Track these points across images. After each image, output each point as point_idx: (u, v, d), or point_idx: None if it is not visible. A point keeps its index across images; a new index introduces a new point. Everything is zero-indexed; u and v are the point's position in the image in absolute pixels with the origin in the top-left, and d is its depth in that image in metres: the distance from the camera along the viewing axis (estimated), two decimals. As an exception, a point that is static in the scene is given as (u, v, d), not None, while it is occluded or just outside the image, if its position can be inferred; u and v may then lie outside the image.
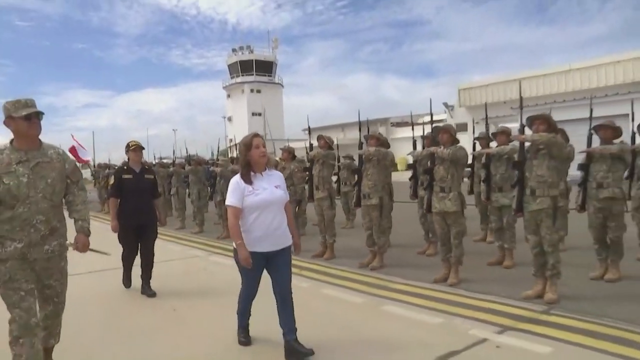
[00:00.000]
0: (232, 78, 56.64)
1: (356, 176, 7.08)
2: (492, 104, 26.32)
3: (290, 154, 9.23)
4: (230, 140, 52.61)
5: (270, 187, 3.69)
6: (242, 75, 55.06)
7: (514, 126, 21.13)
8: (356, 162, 7.74)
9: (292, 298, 3.74)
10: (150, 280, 5.68)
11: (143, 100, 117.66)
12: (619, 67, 25.12)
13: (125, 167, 5.76)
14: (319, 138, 7.56)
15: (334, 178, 8.32)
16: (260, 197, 3.61)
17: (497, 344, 3.70)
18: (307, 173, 7.76)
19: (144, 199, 5.65)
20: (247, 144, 3.68)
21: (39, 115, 3.13)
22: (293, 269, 3.92)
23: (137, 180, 5.64)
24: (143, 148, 5.92)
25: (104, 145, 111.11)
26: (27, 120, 3.06)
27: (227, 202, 3.67)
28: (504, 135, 6.57)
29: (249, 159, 3.68)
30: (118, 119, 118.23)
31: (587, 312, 4.29)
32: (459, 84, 31.90)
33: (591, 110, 5.58)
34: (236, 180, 3.71)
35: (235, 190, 3.65)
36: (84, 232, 3.37)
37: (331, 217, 7.49)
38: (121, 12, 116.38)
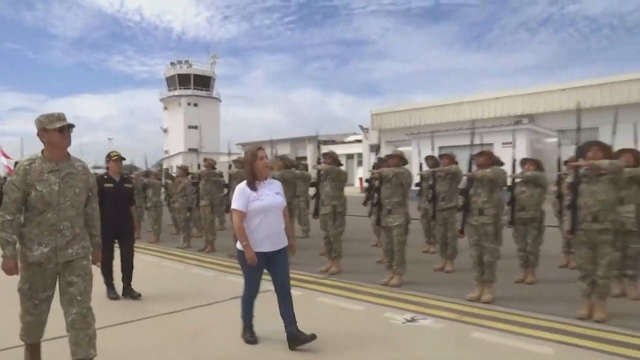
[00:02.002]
0: (169, 91, 55.08)
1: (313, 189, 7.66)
2: (398, 129, 30.06)
3: (211, 165, 9.80)
4: (166, 152, 51.47)
5: (272, 194, 4.00)
6: (180, 89, 53.71)
7: (408, 149, 21.81)
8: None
9: (290, 293, 4.04)
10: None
11: (80, 106, 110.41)
12: (498, 102, 27.80)
13: (105, 177, 5.85)
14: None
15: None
16: (265, 202, 3.92)
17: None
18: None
19: (123, 207, 5.83)
20: (253, 155, 3.98)
21: (70, 127, 3.29)
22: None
23: (117, 189, 5.81)
24: (124, 159, 6.12)
25: (34, 151, 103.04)
26: (60, 132, 3.25)
27: (233, 207, 3.96)
28: (448, 158, 7.43)
29: (254, 168, 3.97)
30: None
31: (514, 307, 5.10)
32: (372, 109, 33.75)
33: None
34: (242, 187, 4.00)
35: (241, 195, 3.95)
36: (99, 247, 3.59)
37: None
38: (58, 14, 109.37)
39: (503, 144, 18.13)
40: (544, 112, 25.75)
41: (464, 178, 5.82)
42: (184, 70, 53.97)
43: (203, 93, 54.42)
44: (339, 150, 33.35)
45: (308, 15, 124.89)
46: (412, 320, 4.65)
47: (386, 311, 4.96)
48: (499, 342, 4.03)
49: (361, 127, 34.25)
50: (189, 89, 53.43)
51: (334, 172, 7.06)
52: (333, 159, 7.25)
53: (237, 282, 5.80)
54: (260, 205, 3.89)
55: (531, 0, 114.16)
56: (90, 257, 3.45)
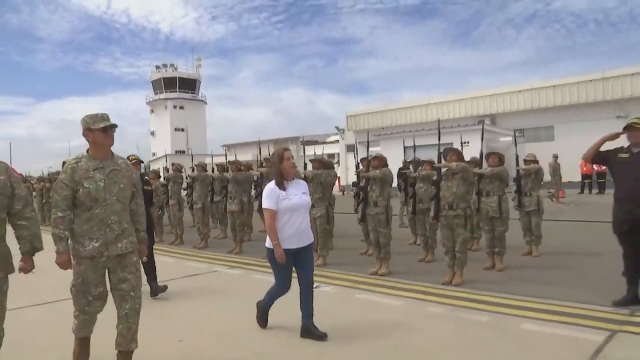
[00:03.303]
0: (155, 94, 55.26)
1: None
2: (372, 129, 30.10)
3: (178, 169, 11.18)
4: (154, 154, 52.23)
5: (299, 194, 4.09)
6: (166, 92, 54.02)
7: (377, 149, 23.42)
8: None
9: (313, 288, 4.15)
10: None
11: (67, 108, 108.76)
12: (462, 103, 29.64)
13: None
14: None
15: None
16: (293, 202, 4.00)
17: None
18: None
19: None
20: (280, 157, 4.08)
21: (113, 127, 3.34)
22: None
23: None
24: (142, 162, 6.35)
25: (22, 156, 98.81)
26: (104, 132, 3.29)
27: (264, 206, 4.01)
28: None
29: (281, 169, 4.07)
30: (39, 129, 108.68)
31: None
32: (347, 111, 35.00)
33: (439, 135, 6.76)
34: (271, 187, 4.05)
35: (271, 195, 4.00)
36: (145, 242, 3.64)
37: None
38: (44, 17, 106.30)
39: (462, 143, 20.20)
40: (503, 112, 27.92)
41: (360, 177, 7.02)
42: (169, 73, 54.24)
43: (189, 96, 54.90)
44: (321, 150, 33.95)
45: (296, 15, 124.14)
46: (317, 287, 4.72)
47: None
48: (376, 300, 5.20)
49: (337, 128, 35.23)
50: (175, 92, 53.80)
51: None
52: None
53: (194, 266, 7.53)
54: (289, 204, 3.98)
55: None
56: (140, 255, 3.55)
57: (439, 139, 6.65)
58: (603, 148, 4.95)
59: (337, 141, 35.56)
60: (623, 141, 4.83)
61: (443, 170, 6.07)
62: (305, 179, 7.29)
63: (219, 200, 10.38)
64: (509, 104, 27.78)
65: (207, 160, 13.02)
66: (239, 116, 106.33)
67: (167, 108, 53.89)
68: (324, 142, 42.14)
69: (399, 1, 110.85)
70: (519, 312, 4.62)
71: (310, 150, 35.46)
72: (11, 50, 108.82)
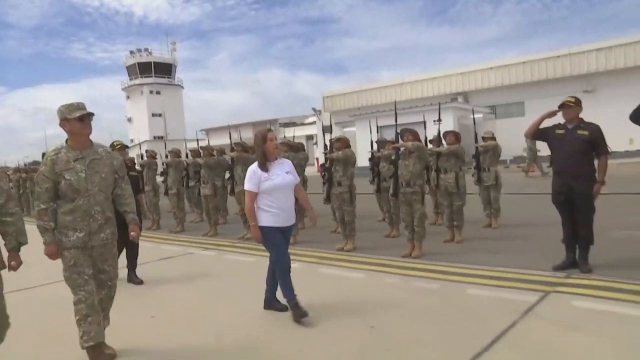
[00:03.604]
0: (130, 80, 54.81)
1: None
2: (348, 110, 31.64)
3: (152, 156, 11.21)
4: (132, 140, 51.85)
5: (282, 173, 4.11)
6: (141, 77, 53.59)
7: (353, 129, 23.81)
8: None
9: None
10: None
11: (40, 97, 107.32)
12: (435, 82, 30.26)
13: None
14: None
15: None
16: (275, 182, 4.04)
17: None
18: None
19: None
20: (263, 138, 4.10)
21: (90, 116, 3.34)
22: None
23: None
24: (127, 147, 6.35)
25: None
26: (80, 121, 3.29)
27: (245, 187, 4.09)
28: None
29: (264, 150, 4.10)
30: (11, 118, 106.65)
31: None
32: (323, 91, 35.44)
33: (396, 116, 6.80)
34: (253, 169, 4.10)
35: (252, 177, 4.06)
36: (136, 222, 3.65)
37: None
38: (12, 2, 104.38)
39: (434, 121, 20.60)
40: (475, 89, 28.45)
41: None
42: (144, 58, 53.78)
43: (165, 80, 54.55)
44: (299, 131, 34.64)
45: None
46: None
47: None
48: (338, 274, 5.60)
49: (314, 109, 35.52)
50: (150, 77, 53.43)
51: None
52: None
53: (170, 249, 7.87)
54: (272, 185, 4.02)
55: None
56: (132, 233, 3.61)
57: (396, 120, 6.83)
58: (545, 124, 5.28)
59: (315, 122, 35.75)
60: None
61: (401, 149, 6.39)
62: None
63: (194, 185, 10.65)
64: (480, 81, 28.26)
65: (190, 145, 13.11)
66: (217, 99, 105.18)
67: (144, 94, 53.50)
68: (302, 124, 42.38)
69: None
70: (467, 279, 5.01)
71: (289, 132, 36.03)
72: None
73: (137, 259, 5.95)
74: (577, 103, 5.04)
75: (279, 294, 4.28)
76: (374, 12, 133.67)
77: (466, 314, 4.00)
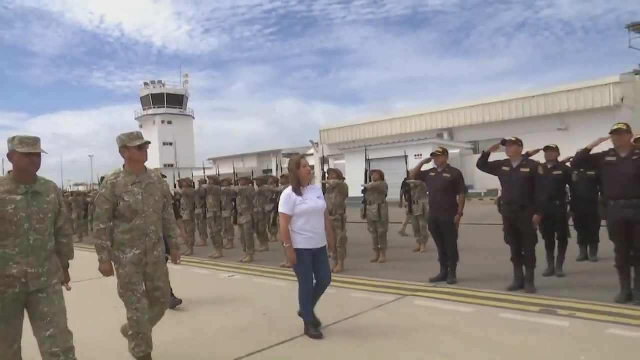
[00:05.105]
0: (144, 110, 57.03)
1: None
2: (343, 143, 33.52)
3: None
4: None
5: (315, 198, 4.30)
6: (154, 108, 55.68)
7: (343, 162, 25.27)
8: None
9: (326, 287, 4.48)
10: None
11: (60, 123, 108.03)
12: (422, 118, 32.14)
13: None
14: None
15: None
16: (309, 206, 4.23)
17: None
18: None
19: None
20: (297, 164, 4.31)
21: (147, 144, 3.56)
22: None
23: None
24: (165, 177, 6.68)
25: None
26: (139, 149, 3.52)
27: (280, 210, 4.28)
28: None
29: (298, 175, 4.30)
30: None
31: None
32: (321, 126, 38.18)
33: (367, 156, 8.62)
34: (288, 193, 4.30)
35: (287, 201, 4.24)
36: (178, 247, 3.93)
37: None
38: (37, 32, 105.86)
39: (415, 155, 22.12)
40: (459, 125, 30.07)
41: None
42: (157, 90, 55.96)
43: (176, 111, 56.56)
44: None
45: (288, 27, 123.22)
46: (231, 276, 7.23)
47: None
48: (266, 283, 7.28)
49: (312, 141, 37.20)
50: (163, 107, 55.49)
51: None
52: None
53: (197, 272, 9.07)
54: (306, 208, 4.19)
55: (506, 6, 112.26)
56: (177, 261, 3.83)
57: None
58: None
59: (310, 155, 37.38)
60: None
61: (327, 185, 7.88)
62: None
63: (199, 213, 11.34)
64: (463, 118, 29.84)
65: (197, 173, 14.16)
66: (233, 128, 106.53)
67: (156, 123, 55.35)
68: (305, 155, 44.20)
69: (390, 12, 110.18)
70: (356, 287, 6.37)
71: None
72: (5, 66, 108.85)
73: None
74: (445, 152, 6.50)
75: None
76: (388, 44, 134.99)
77: (341, 307, 5.28)
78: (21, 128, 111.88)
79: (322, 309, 4.67)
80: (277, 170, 22.99)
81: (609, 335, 4.07)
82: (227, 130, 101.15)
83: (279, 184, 9.85)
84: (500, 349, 3.87)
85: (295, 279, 4.49)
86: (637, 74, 25.91)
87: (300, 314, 4.48)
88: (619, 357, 3.66)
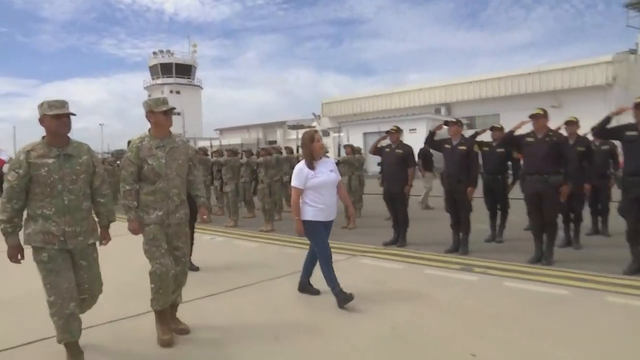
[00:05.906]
0: (153, 79, 57.46)
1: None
2: (344, 115, 33.79)
3: None
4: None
5: (327, 171, 4.35)
6: (163, 77, 56.05)
7: (342, 134, 25.80)
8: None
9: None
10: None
11: (71, 90, 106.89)
12: (421, 93, 32.38)
13: None
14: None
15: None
16: (321, 179, 4.28)
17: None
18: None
19: None
20: (311, 138, 4.34)
21: (172, 110, 3.62)
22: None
23: None
24: None
25: (27, 138, 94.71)
26: (165, 114, 3.58)
27: (292, 184, 4.35)
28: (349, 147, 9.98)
29: (311, 149, 4.33)
30: None
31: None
32: (323, 98, 38.44)
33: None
34: (300, 167, 4.34)
35: (299, 175, 4.30)
36: (206, 206, 3.95)
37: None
38: None
39: (410, 130, 22.75)
40: (457, 101, 30.48)
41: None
42: (165, 59, 56.14)
43: (185, 81, 56.91)
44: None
45: None
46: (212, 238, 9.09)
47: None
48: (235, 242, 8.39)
49: (314, 114, 38.14)
50: (171, 77, 55.86)
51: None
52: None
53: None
54: (318, 182, 4.26)
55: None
56: (204, 217, 3.87)
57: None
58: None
59: (312, 127, 38.02)
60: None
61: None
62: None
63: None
64: (461, 93, 30.21)
65: (202, 143, 14.60)
66: (243, 97, 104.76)
67: (164, 93, 55.29)
68: (309, 126, 44.64)
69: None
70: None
71: (296, 135, 38.05)
72: (15, 31, 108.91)
73: (192, 246, 5.80)
74: (398, 130, 7.22)
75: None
76: (403, 14, 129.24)
77: (293, 263, 6.03)
78: (32, 95, 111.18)
79: (278, 264, 5.43)
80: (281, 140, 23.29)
81: (505, 287, 4.89)
82: (237, 100, 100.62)
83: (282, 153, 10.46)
84: (413, 297, 4.68)
85: (264, 239, 5.15)
86: (632, 53, 26.08)
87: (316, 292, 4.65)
88: (508, 304, 4.42)
